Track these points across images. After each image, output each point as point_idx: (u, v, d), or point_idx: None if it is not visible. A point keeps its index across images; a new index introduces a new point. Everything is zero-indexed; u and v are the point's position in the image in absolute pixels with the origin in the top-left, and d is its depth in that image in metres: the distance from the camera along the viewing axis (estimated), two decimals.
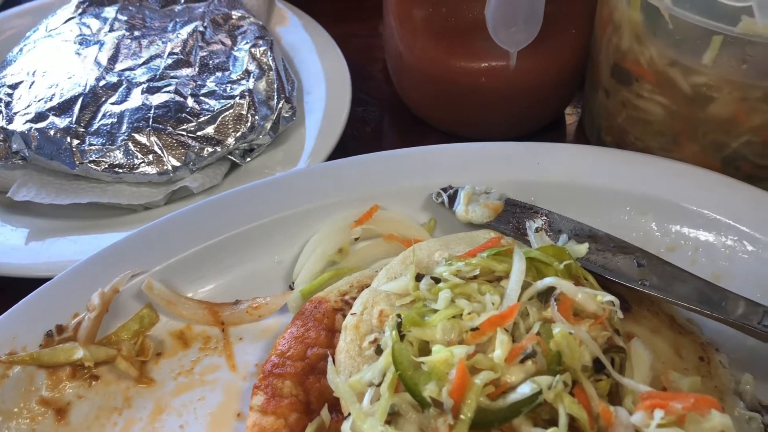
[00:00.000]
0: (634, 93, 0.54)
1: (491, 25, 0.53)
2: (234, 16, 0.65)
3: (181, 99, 0.56)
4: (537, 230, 0.49)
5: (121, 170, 0.54)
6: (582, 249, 0.47)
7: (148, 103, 0.56)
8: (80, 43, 0.61)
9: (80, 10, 0.65)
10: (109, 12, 0.65)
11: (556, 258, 0.44)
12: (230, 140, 0.56)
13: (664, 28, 0.49)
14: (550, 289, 0.42)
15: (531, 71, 0.58)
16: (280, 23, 0.71)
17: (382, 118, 0.68)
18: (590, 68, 0.60)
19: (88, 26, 0.63)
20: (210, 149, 0.55)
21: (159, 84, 0.57)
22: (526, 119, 0.63)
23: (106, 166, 0.54)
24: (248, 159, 0.58)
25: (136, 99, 0.56)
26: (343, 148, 0.60)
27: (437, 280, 0.43)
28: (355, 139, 0.64)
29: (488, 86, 0.59)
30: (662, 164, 0.54)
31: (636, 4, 0.51)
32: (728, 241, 0.51)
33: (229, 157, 0.57)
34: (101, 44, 0.61)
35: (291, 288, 0.50)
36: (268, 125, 0.58)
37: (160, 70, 0.58)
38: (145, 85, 0.57)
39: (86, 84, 0.57)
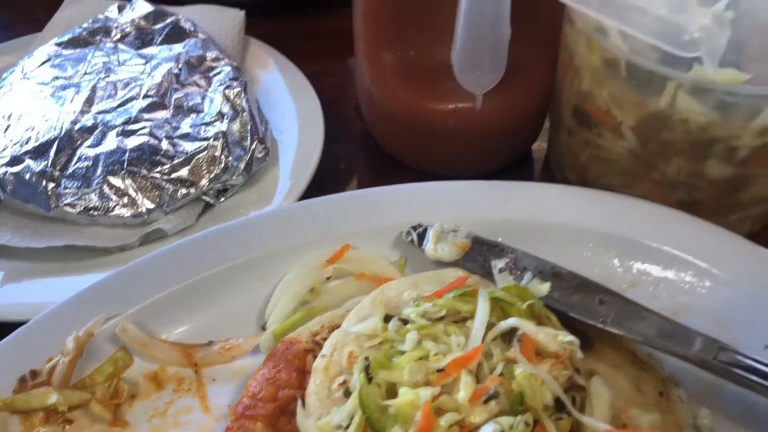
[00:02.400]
0: (595, 134, 0.56)
1: (457, 69, 0.55)
2: (209, 58, 0.66)
3: (156, 141, 0.58)
4: (501, 270, 0.51)
5: (96, 213, 0.55)
6: (544, 288, 0.49)
7: (123, 146, 0.57)
8: (56, 86, 0.62)
9: (57, 52, 0.66)
10: (86, 54, 0.66)
11: (520, 298, 0.45)
12: (204, 181, 0.57)
13: (621, 74, 0.51)
14: (513, 329, 0.43)
15: (497, 112, 0.60)
16: (254, 63, 0.73)
17: (354, 156, 0.70)
18: (553, 108, 0.62)
19: (65, 68, 0.64)
20: (184, 191, 0.56)
21: (134, 127, 0.59)
22: (494, 157, 0.65)
23: (82, 208, 0.55)
24: (222, 199, 0.59)
25: (111, 142, 0.57)
26: (317, 186, 0.62)
27: (405, 322, 0.45)
28: (329, 176, 0.66)
29: (456, 127, 0.60)
30: (624, 202, 0.56)
31: (595, 49, 0.53)
32: (687, 276, 0.53)
33: (203, 197, 0.58)
34: (77, 87, 0.62)
35: (263, 329, 0.51)
36: (242, 166, 0.59)
37: (135, 113, 0.60)
38: (120, 128, 0.58)
39: (62, 127, 0.58)
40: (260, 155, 0.60)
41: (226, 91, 0.62)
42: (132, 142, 0.57)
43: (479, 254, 0.54)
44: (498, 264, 0.52)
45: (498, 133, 0.62)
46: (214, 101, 0.62)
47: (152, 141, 0.58)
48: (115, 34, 0.68)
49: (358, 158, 0.70)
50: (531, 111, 0.63)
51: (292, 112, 0.67)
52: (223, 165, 0.58)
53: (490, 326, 0.43)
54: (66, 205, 0.55)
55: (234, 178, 0.59)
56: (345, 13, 0.66)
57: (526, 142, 0.67)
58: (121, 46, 0.67)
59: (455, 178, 0.64)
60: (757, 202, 0.56)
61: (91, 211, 0.55)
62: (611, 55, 0.51)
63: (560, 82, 0.60)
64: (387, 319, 0.45)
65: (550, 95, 0.62)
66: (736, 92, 0.47)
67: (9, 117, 0.60)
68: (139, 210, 0.55)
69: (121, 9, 0.71)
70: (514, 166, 0.67)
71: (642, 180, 0.56)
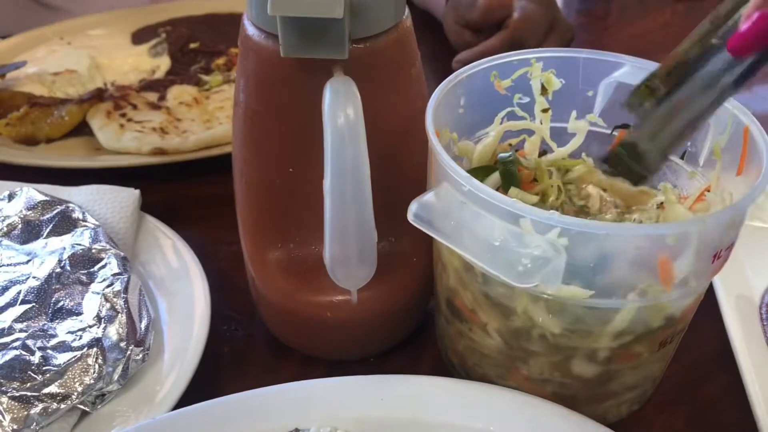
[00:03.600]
0: (467, 327, 0.57)
1: (329, 268, 0.56)
2: (95, 249, 0.66)
3: (27, 355, 0.57)
4: None
5: None
6: None
7: None
8: None
9: None
10: None
11: None
12: (75, 395, 0.56)
13: (479, 281, 0.53)
14: None
15: (375, 303, 0.61)
16: (146, 244, 0.73)
17: (245, 338, 0.69)
18: (434, 294, 0.63)
19: None
20: (55, 406, 0.55)
21: (6, 339, 0.58)
22: (378, 342, 0.65)
23: None
24: (99, 406, 0.58)
25: None
26: (203, 375, 0.61)
27: None
28: (215, 363, 0.65)
29: (334, 319, 0.61)
30: (498, 395, 0.56)
31: (454, 253, 0.54)
32: None
33: (79, 405, 0.57)
34: None
35: None
36: (119, 370, 0.58)
37: (10, 323, 0.59)
38: None
39: None
40: (137, 357, 0.59)
41: (106, 290, 0.62)
42: (2, 358, 0.57)
43: None
44: None
45: (378, 321, 0.63)
46: (93, 302, 0.61)
47: (24, 355, 0.57)
48: (1, 228, 0.68)
49: (247, 341, 0.69)
50: (409, 300, 0.64)
51: (181, 299, 0.67)
52: (96, 374, 0.57)
53: None
54: None
55: (109, 386, 0.58)
56: None
57: (410, 325, 0.67)
58: (5, 241, 0.67)
59: (341, 362, 0.64)
60: (629, 389, 0.57)
61: None
62: (468, 262, 0.53)
63: (434, 270, 0.61)
64: None
65: (429, 282, 0.63)
66: (584, 305, 0.49)
67: None
68: None
69: (11, 197, 0.72)
70: (404, 345, 0.67)
71: (515, 373, 0.57)
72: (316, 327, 0.63)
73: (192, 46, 1.12)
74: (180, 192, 0.88)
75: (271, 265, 0.63)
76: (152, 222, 0.76)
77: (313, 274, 0.61)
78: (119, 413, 0.59)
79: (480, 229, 0.47)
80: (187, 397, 0.59)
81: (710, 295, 0.67)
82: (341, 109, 0.51)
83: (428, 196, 0.49)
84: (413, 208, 0.49)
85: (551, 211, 0.45)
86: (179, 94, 0.97)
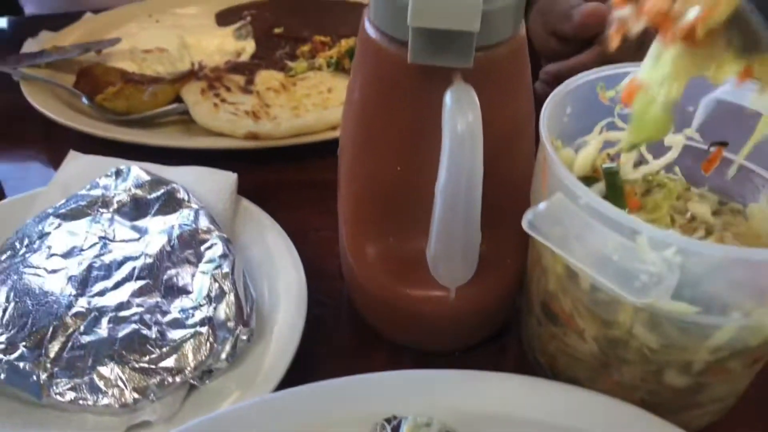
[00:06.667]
0: (561, 331, 0.59)
1: (431, 264, 0.59)
2: (201, 230, 0.69)
3: (145, 330, 0.61)
4: None
5: (84, 403, 0.57)
6: None
7: (113, 335, 0.60)
8: (53, 268, 0.66)
9: (53, 226, 0.70)
10: (81, 226, 0.70)
11: None
12: (189, 369, 0.59)
13: (582, 289, 0.55)
14: None
15: (471, 300, 0.63)
16: (244, 226, 0.76)
17: (337, 322, 0.73)
18: (526, 293, 0.65)
19: (61, 246, 0.67)
20: (170, 380, 0.59)
21: (125, 313, 0.62)
22: (468, 337, 0.68)
23: (72, 398, 0.57)
24: (207, 381, 0.62)
25: (102, 330, 0.60)
26: (301, 358, 0.64)
27: None
28: (312, 346, 0.68)
29: (431, 313, 0.64)
30: (591, 398, 0.58)
31: (558, 259, 0.56)
32: None
33: (190, 380, 0.61)
34: (73, 266, 0.65)
35: None
36: (227, 349, 0.61)
37: (127, 297, 0.63)
38: (112, 314, 0.61)
39: (56, 313, 0.61)
40: (244, 337, 0.63)
41: (215, 272, 0.65)
42: (122, 330, 0.60)
43: None
44: None
45: (472, 317, 0.65)
46: (203, 282, 0.65)
47: (142, 329, 0.61)
48: (112, 205, 0.72)
49: (340, 327, 0.73)
50: (503, 297, 0.66)
51: (278, 283, 0.70)
52: (208, 351, 0.60)
53: None
54: (57, 394, 0.57)
55: (218, 363, 0.61)
56: (332, 162, 0.69)
57: (498, 323, 0.70)
58: (117, 217, 0.71)
59: (432, 354, 0.67)
60: (715, 401, 0.59)
61: (80, 401, 0.57)
62: (573, 269, 0.54)
63: (530, 272, 0.63)
64: None
65: (521, 281, 0.66)
66: (688, 321, 0.50)
67: (8, 299, 0.63)
68: (126, 401, 0.57)
69: (118, 174, 0.75)
70: (489, 341, 0.70)
71: (605, 379, 0.59)
72: (411, 319, 0.65)
73: (276, 31, 1.14)
74: (267, 176, 0.91)
75: (371, 256, 0.66)
76: (248, 205, 0.79)
77: (411, 269, 0.63)
78: (226, 389, 0.62)
79: (593, 240, 0.49)
80: (286, 378, 0.62)
81: None
82: (462, 115, 0.52)
83: (542, 206, 0.51)
84: (528, 216, 0.51)
85: (670, 230, 0.47)
86: (267, 79, 0.99)
